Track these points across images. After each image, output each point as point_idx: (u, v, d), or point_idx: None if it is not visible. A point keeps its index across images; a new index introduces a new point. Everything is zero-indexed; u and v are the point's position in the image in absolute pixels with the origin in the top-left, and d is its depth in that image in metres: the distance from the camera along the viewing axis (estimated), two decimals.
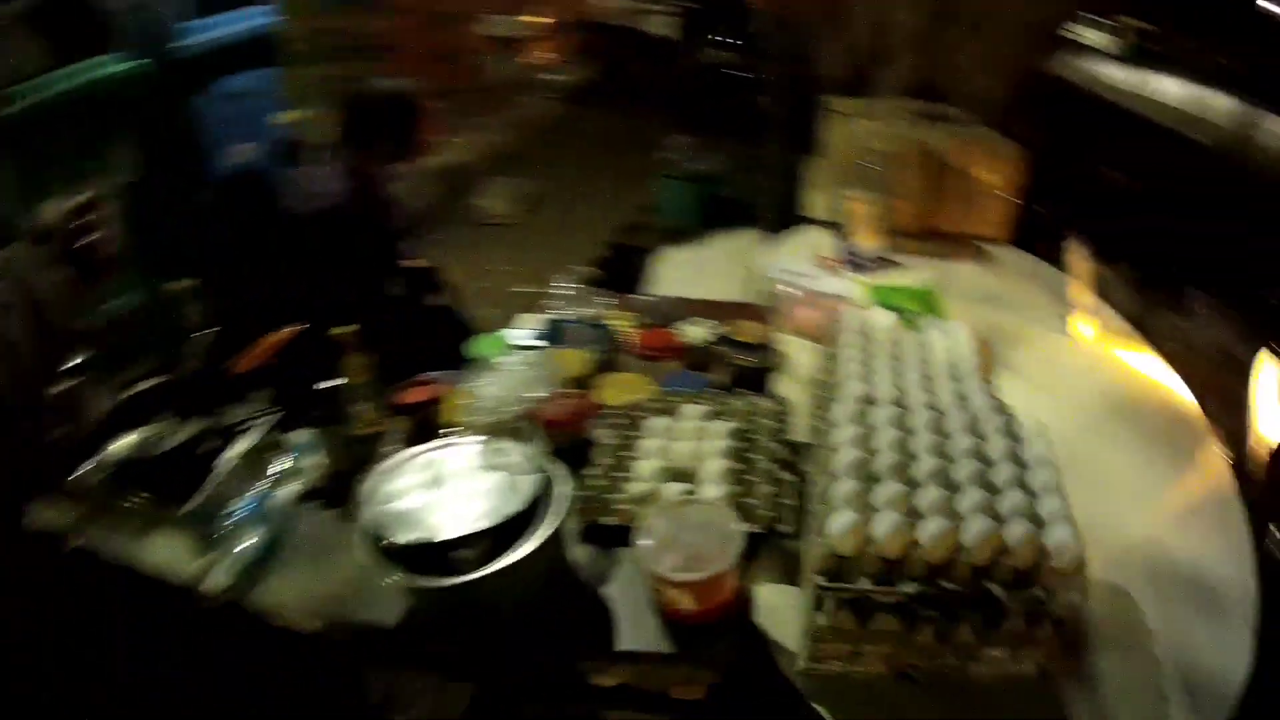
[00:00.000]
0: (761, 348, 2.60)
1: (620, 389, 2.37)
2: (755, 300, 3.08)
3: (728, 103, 9.37)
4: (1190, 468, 2.14)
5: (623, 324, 2.86)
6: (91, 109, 3.82)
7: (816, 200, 3.89)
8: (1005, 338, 2.58)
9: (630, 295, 3.15)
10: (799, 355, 2.68)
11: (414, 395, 2.22)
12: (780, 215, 5.06)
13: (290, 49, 7.27)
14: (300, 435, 2.17)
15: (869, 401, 1.88)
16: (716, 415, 2.21)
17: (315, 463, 2.12)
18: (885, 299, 2.88)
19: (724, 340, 2.61)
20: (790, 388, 2.55)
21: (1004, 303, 2.98)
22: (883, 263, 3.24)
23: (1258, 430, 2.05)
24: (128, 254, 3.54)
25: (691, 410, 2.22)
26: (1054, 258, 3.26)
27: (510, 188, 7.01)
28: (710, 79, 9.80)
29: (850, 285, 3.06)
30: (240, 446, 1.92)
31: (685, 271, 3.95)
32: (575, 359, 2.47)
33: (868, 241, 3.20)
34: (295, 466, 2.10)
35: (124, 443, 1.92)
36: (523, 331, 2.79)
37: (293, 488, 2.07)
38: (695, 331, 2.72)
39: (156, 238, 3.94)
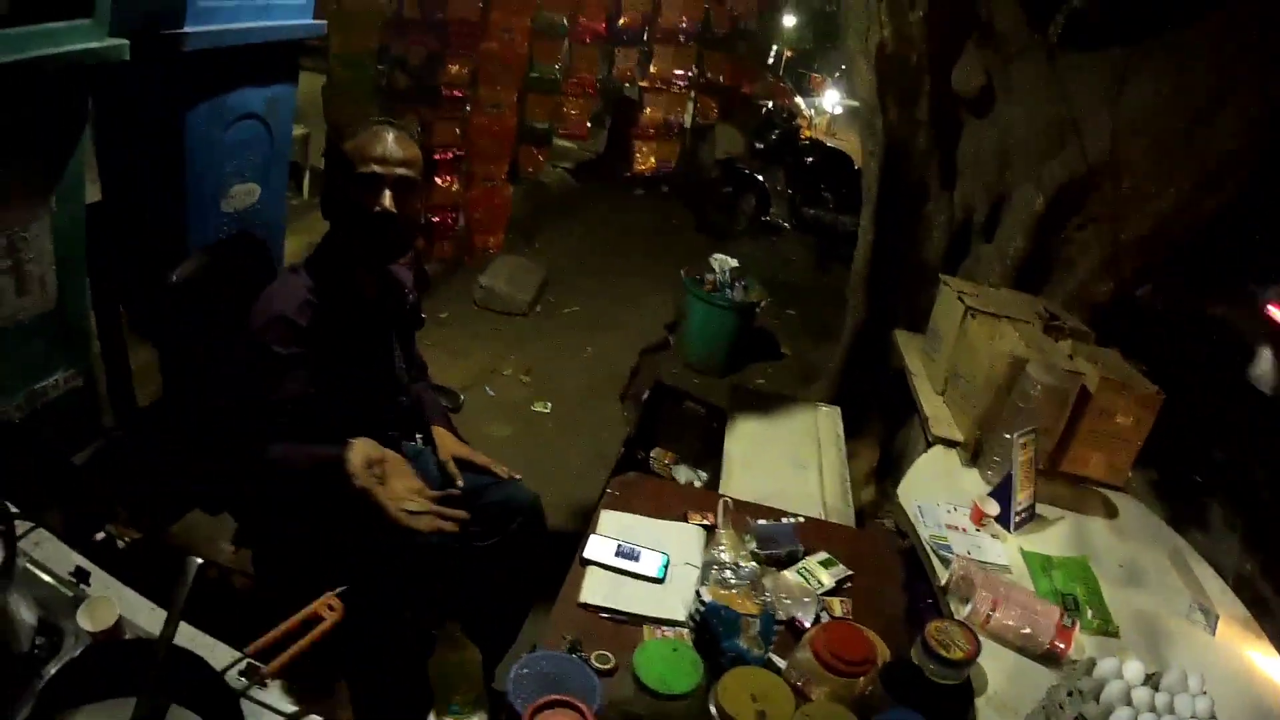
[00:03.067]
0: (968, 663, 2.11)
1: None
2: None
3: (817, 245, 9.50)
4: None
5: (791, 600, 2.38)
6: (33, 96, 2.63)
7: (928, 401, 3.59)
8: (1148, 628, 2.49)
9: (735, 504, 2.70)
10: (994, 670, 2.24)
11: None
12: (842, 384, 4.86)
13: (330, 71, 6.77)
14: None
15: None
16: None
17: None
18: (1044, 570, 2.65)
19: (926, 650, 2.12)
20: None
21: (1141, 579, 2.76)
22: (1029, 515, 2.88)
23: None
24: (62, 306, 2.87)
25: None
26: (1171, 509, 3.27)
27: (514, 268, 6.61)
28: (796, 216, 9.78)
29: (1005, 550, 2.74)
30: None
31: (756, 449, 3.70)
32: (770, 685, 1.93)
33: (1024, 491, 2.81)
34: None
35: None
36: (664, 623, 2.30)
37: None
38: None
39: (108, 288, 3.28)
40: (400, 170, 2.33)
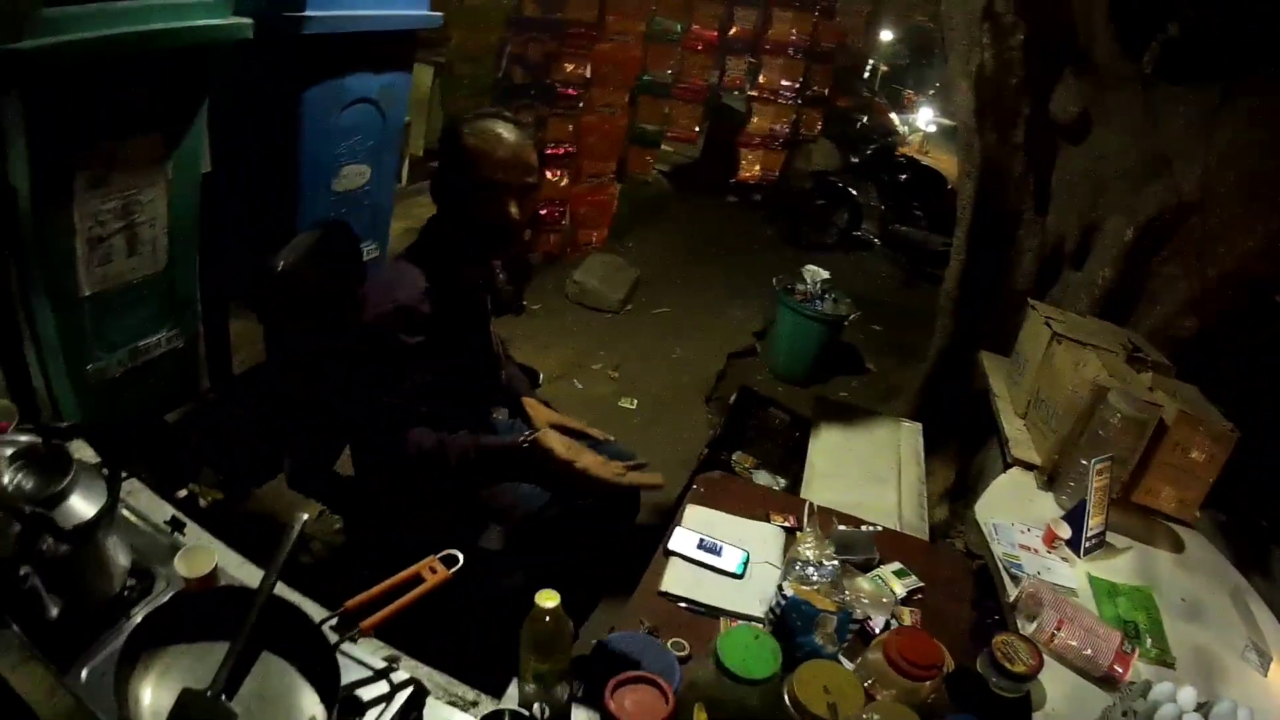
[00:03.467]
0: (1030, 678, 2.22)
1: None
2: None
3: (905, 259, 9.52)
4: None
5: (867, 601, 2.50)
6: (161, 67, 2.74)
7: (1009, 423, 3.66)
8: (1203, 662, 2.53)
9: (823, 514, 2.82)
10: (1053, 688, 2.32)
11: (632, 709, 1.67)
12: (923, 401, 4.91)
13: (446, 64, 6.87)
14: (444, 713, 1.68)
15: None
16: None
17: None
18: (1109, 596, 2.72)
19: (991, 662, 2.23)
20: None
21: (1201, 615, 2.80)
22: (1100, 541, 2.94)
23: None
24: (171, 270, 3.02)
25: None
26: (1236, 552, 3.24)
27: (607, 266, 6.73)
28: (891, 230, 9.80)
29: (1073, 573, 2.82)
30: None
31: (838, 459, 3.77)
32: (843, 680, 2.01)
33: (1096, 518, 2.89)
34: None
35: None
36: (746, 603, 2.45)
37: None
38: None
39: (216, 253, 3.43)
40: (525, 179, 2.42)
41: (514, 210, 2.40)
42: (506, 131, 2.32)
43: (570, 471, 2.42)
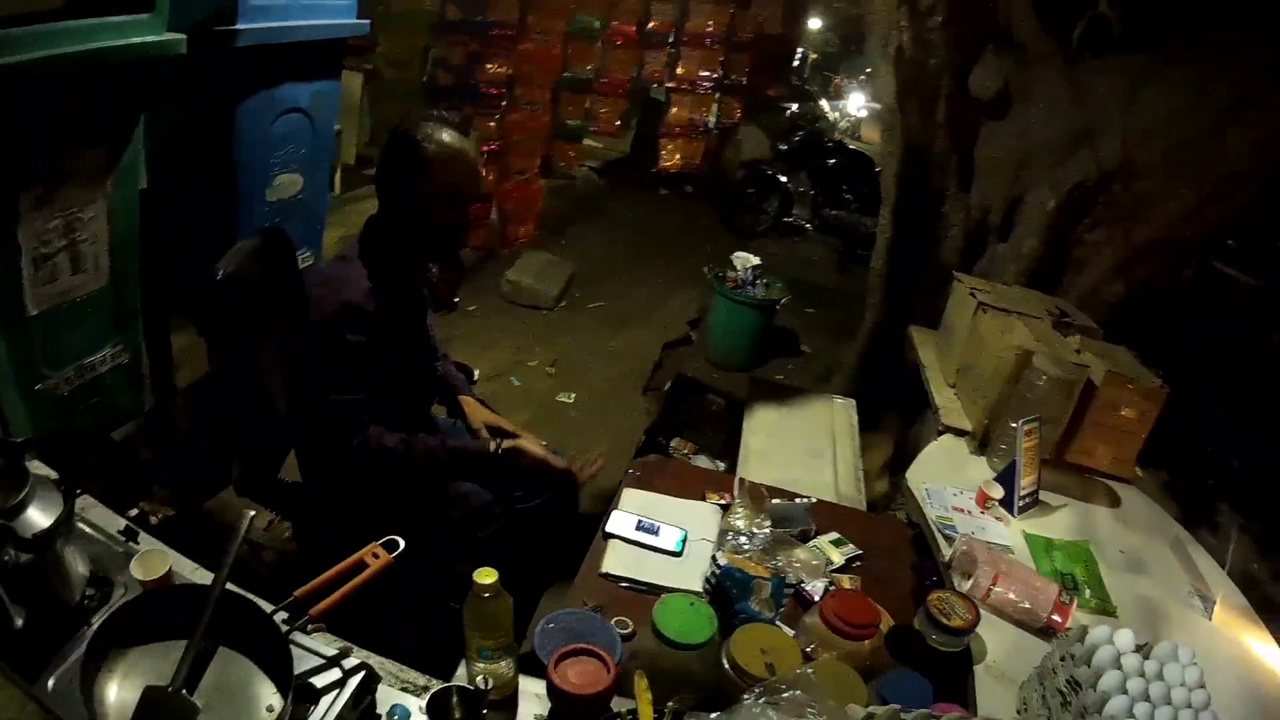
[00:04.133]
0: (967, 632, 2.23)
1: (834, 688, 1.85)
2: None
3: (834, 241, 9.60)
4: None
5: (801, 567, 2.51)
6: (99, 86, 2.72)
7: (939, 392, 3.69)
8: (1145, 610, 2.58)
9: (751, 484, 2.81)
10: (993, 641, 2.34)
11: (575, 680, 1.70)
12: (859, 379, 4.95)
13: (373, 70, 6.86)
14: (396, 698, 1.69)
15: None
16: None
17: None
18: (1045, 551, 2.74)
19: (929, 618, 2.23)
20: (994, 688, 2.19)
21: (1141, 566, 2.83)
22: (1033, 500, 2.96)
23: None
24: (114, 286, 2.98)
25: None
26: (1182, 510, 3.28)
27: (541, 264, 6.73)
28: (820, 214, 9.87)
29: (1008, 531, 2.84)
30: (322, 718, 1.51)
31: (773, 438, 3.81)
32: (779, 641, 2.03)
33: (1028, 477, 2.91)
34: None
35: None
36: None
37: None
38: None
39: (157, 271, 3.36)
40: (479, 186, 2.48)
41: (465, 215, 2.46)
42: (464, 142, 2.34)
43: (546, 469, 2.54)
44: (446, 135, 2.31)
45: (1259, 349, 7.34)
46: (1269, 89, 3.84)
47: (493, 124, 6.88)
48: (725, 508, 2.73)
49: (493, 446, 2.51)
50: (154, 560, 1.71)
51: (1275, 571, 4.79)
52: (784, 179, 9.33)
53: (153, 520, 3.33)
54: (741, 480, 2.83)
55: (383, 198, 2.48)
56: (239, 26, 3.23)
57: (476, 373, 3.35)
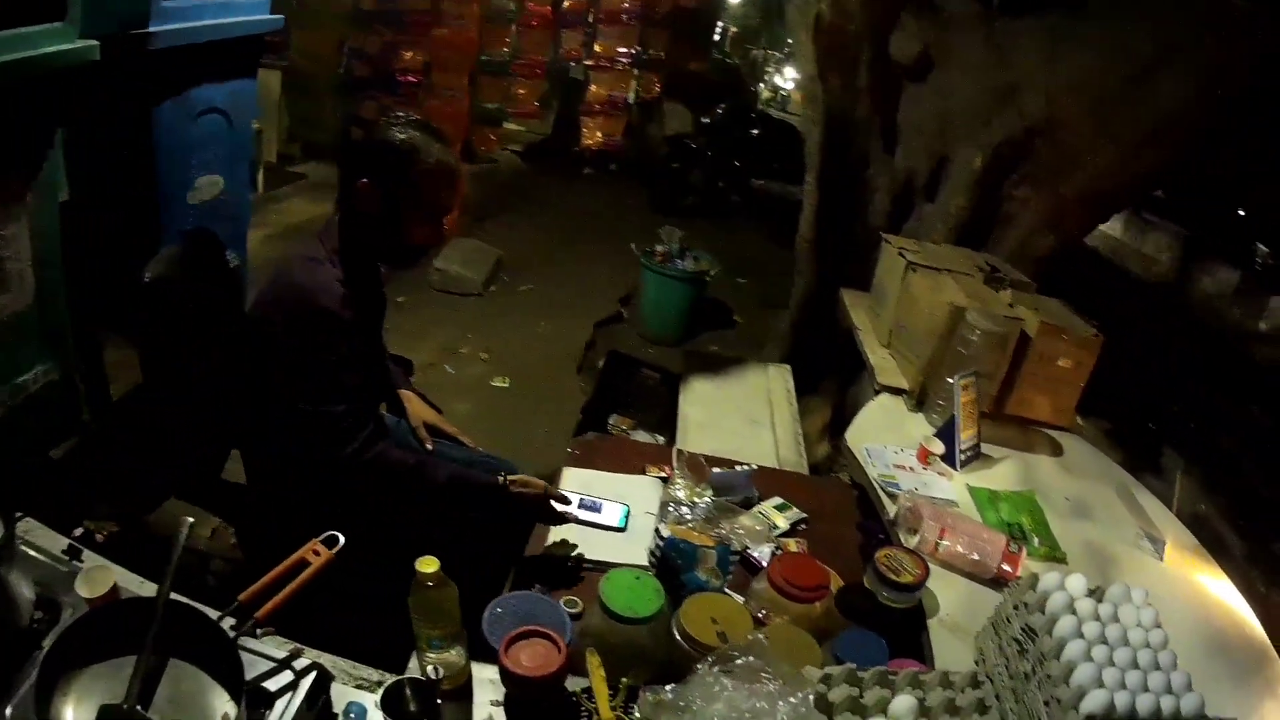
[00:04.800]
0: (918, 587, 2.20)
1: (787, 652, 1.77)
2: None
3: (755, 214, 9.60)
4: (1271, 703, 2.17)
5: (746, 533, 2.48)
6: (12, 99, 2.63)
7: (873, 352, 3.68)
8: (1096, 555, 2.59)
9: (690, 455, 2.76)
10: (946, 595, 2.33)
11: (527, 663, 1.69)
12: (793, 345, 4.93)
13: (291, 66, 6.75)
14: (351, 696, 1.66)
15: None
16: (925, 711, 1.71)
17: None
18: (990, 503, 2.74)
19: (877, 575, 2.21)
20: (949, 641, 2.18)
21: (1088, 511, 2.84)
22: (975, 453, 2.95)
23: None
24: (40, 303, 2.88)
25: (903, 706, 1.66)
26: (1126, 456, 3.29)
27: (468, 251, 6.65)
28: (737, 185, 9.86)
29: (952, 486, 2.83)
30: None
31: (710, 409, 3.79)
32: (729, 609, 2.00)
33: (967, 431, 2.90)
34: None
35: None
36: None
37: None
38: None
39: (83, 283, 3.26)
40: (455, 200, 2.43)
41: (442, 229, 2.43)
42: (449, 154, 2.32)
43: (545, 501, 2.44)
44: (439, 148, 2.26)
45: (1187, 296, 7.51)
46: (1190, 43, 3.88)
47: (412, 113, 6.80)
48: (666, 480, 2.69)
49: (501, 479, 2.41)
50: (98, 577, 1.65)
51: (1223, 510, 4.86)
52: (708, 152, 9.29)
53: (98, 538, 3.22)
54: (680, 451, 2.80)
55: (363, 203, 2.32)
56: (152, 29, 3.14)
57: (413, 364, 3.28)
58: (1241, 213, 8.69)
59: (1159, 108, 4.02)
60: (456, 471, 2.45)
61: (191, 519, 1.68)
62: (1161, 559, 2.66)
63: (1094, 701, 1.59)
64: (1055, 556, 2.53)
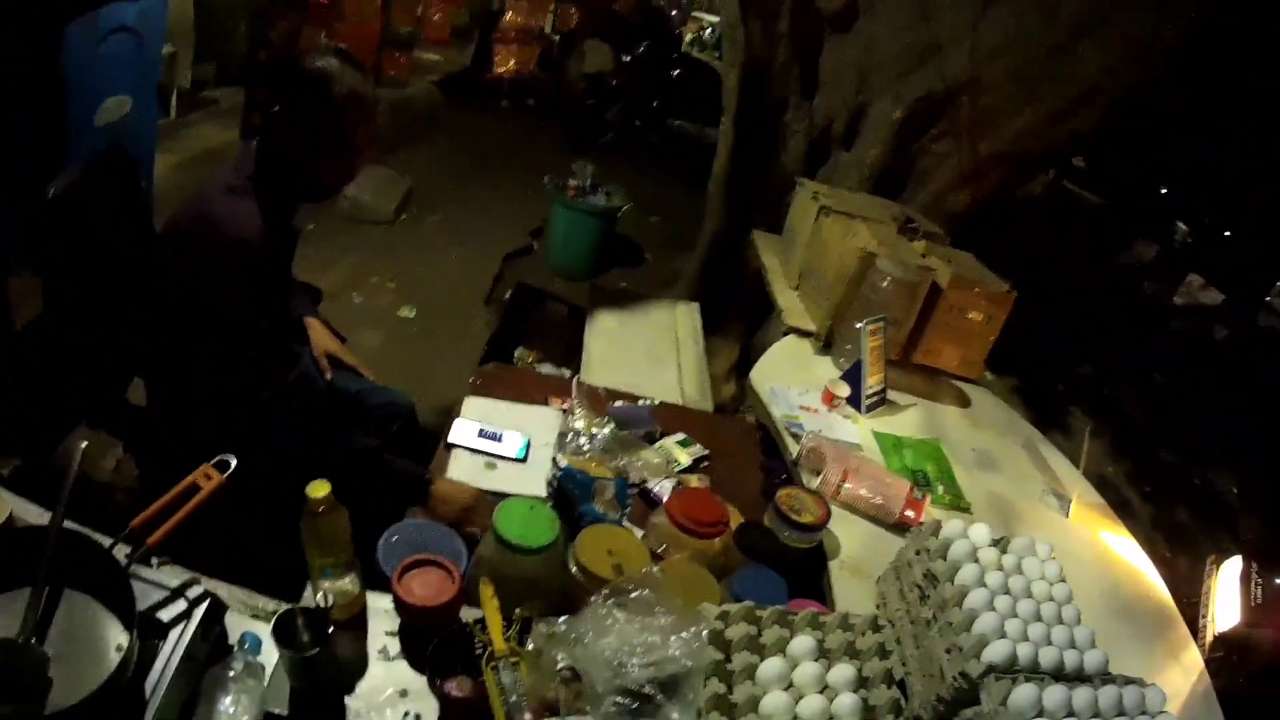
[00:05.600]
0: (819, 528, 2.17)
1: (684, 588, 1.78)
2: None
3: (664, 152, 9.52)
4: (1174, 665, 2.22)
5: (645, 467, 2.44)
6: None
7: (782, 295, 3.65)
8: (1001, 508, 2.60)
9: (591, 387, 2.77)
10: (847, 538, 2.30)
11: (420, 592, 1.67)
12: (701, 285, 4.89)
13: None
14: (246, 626, 1.60)
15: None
16: (824, 652, 1.68)
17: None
18: (895, 449, 2.73)
19: (778, 514, 2.17)
20: (850, 584, 2.15)
21: (994, 464, 2.86)
22: (881, 399, 2.93)
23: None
24: None
25: (802, 647, 1.65)
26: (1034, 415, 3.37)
27: (379, 179, 6.50)
28: (647, 119, 9.75)
29: (857, 430, 2.81)
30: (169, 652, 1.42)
31: (615, 343, 3.75)
32: (626, 541, 1.98)
33: (874, 376, 2.87)
34: (247, 678, 1.49)
35: None
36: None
37: (245, 713, 1.46)
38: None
39: None
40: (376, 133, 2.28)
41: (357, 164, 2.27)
42: (368, 84, 2.17)
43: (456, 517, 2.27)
44: (356, 77, 2.12)
45: (1104, 266, 7.66)
46: (1116, 13, 3.92)
47: (322, 36, 6.64)
48: (567, 413, 2.63)
49: (426, 475, 2.30)
50: None
51: (1129, 474, 4.95)
52: (625, 91, 9.20)
53: (3, 473, 3.11)
54: (580, 382, 2.76)
55: (277, 132, 2.19)
56: None
57: (322, 293, 3.18)
58: (1164, 190, 8.84)
59: (1082, 75, 4.06)
60: (385, 455, 2.34)
61: (86, 442, 1.60)
62: (1067, 516, 2.66)
63: (995, 652, 1.55)
64: (959, 506, 2.53)
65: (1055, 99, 4.12)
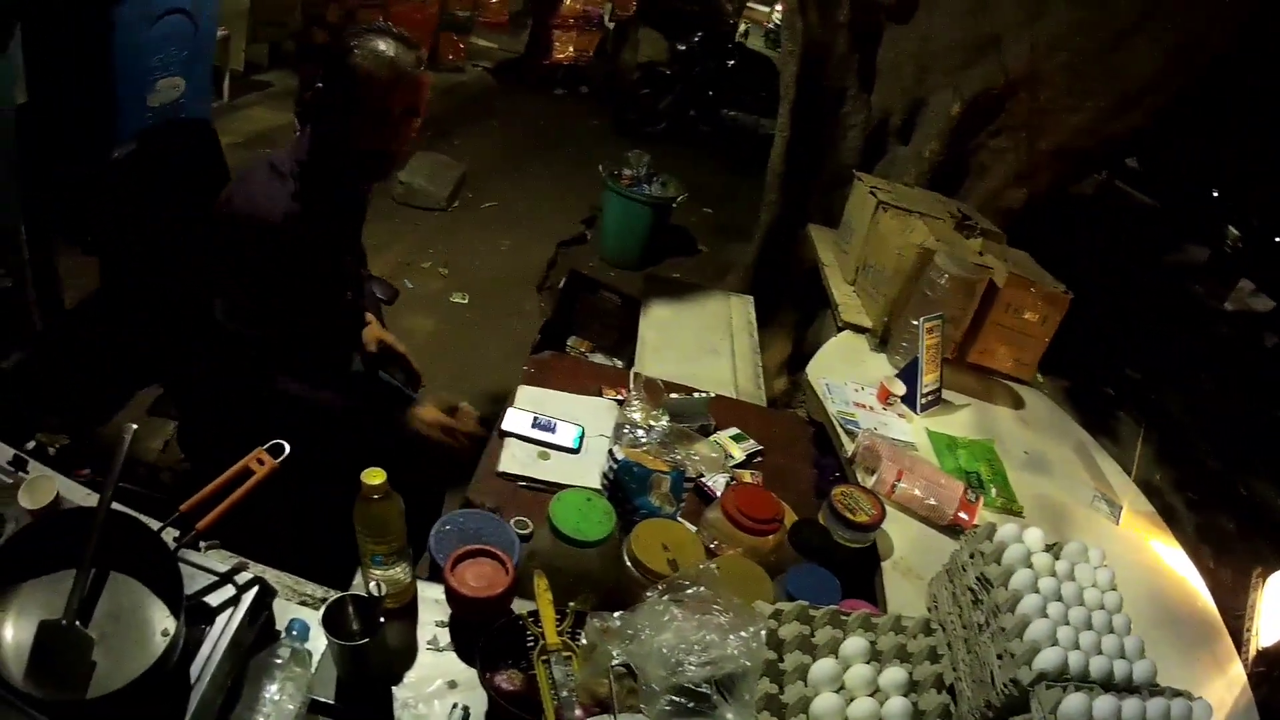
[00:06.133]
0: (873, 527, 2.17)
1: (737, 584, 1.76)
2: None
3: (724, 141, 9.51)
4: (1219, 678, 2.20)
5: (701, 461, 2.44)
6: None
7: (838, 289, 3.64)
8: (1052, 511, 2.58)
9: (648, 379, 2.71)
10: (900, 538, 2.30)
11: (473, 583, 1.67)
12: (756, 278, 4.88)
13: None
14: (294, 612, 1.61)
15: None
16: (876, 654, 1.68)
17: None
18: (949, 449, 2.72)
19: (833, 513, 2.17)
20: (901, 585, 2.15)
21: (1046, 467, 2.84)
22: (936, 398, 2.92)
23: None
24: None
25: (855, 649, 1.65)
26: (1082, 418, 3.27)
27: (433, 165, 6.52)
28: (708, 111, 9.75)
29: (911, 428, 2.80)
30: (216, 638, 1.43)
31: (669, 334, 3.74)
32: (681, 536, 1.97)
33: (930, 374, 2.87)
34: (294, 665, 1.51)
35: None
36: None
37: (290, 701, 1.47)
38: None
39: (38, 189, 3.14)
40: (413, 103, 2.17)
41: (398, 137, 2.18)
42: (400, 52, 2.05)
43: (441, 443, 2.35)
44: (381, 44, 2.03)
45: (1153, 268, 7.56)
46: (1171, 6, 3.87)
47: (380, 16, 6.65)
48: (621, 403, 2.63)
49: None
50: (41, 487, 1.58)
51: (1176, 480, 4.90)
52: (680, 80, 9.19)
53: (51, 451, 3.15)
54: (637, 374, 2.78)
55: (321, 110, 2.16)
56: None
57: (398, 290, 3.20)
58: (1215, 194, 8.72)
59: (1135, 72, 4.02)
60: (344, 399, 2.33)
61: (135, 425, 1.59)
62: (1118, 523, 2.65)
63: (1046, 659, 1.55)
64: (1012, 509, 2.52)
65: (1107, 96, 4.08)
